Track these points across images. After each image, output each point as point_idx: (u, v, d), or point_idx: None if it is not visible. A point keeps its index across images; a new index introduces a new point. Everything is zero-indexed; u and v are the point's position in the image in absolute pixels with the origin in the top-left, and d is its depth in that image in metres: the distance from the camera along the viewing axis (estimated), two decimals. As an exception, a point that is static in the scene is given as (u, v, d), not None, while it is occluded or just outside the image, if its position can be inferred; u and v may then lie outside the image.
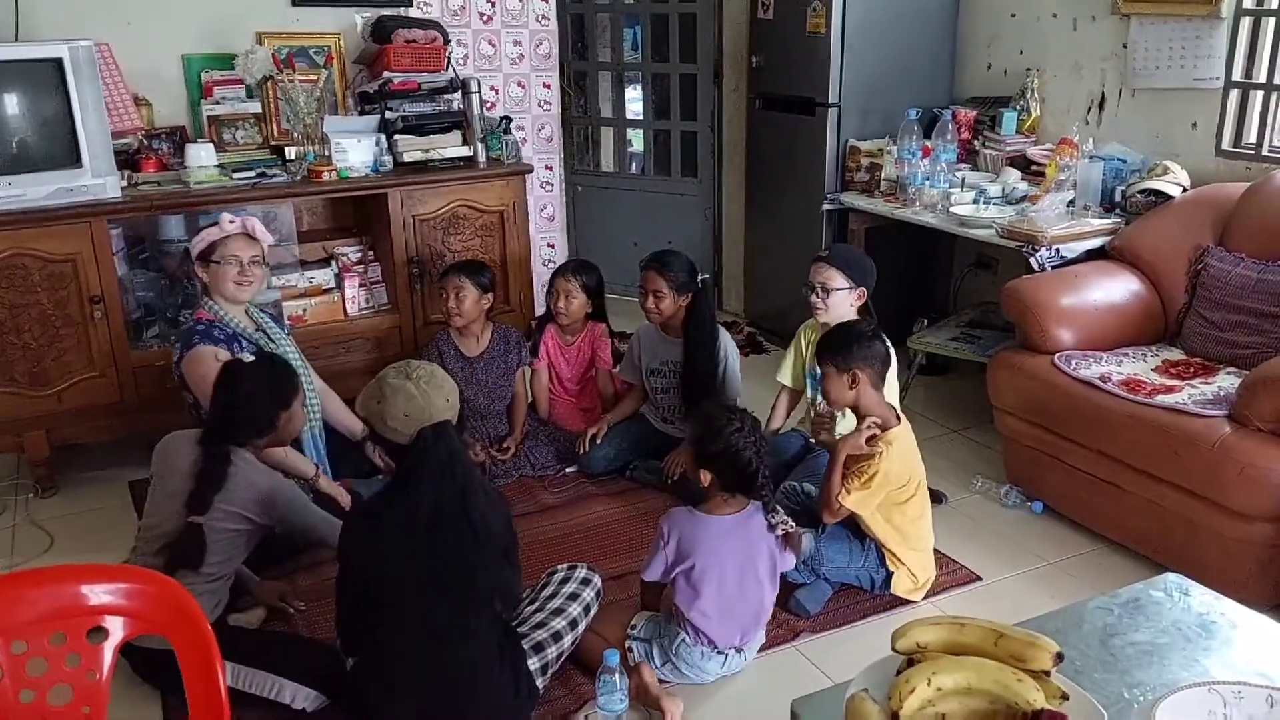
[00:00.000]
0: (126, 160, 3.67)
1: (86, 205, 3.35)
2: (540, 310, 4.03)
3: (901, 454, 2.68)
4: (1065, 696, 1.19)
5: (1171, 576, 1.55)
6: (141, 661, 2.38)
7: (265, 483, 2.53)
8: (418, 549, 2.12)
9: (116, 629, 1.37)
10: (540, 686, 2.32)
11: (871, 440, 2.63)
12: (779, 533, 2.46)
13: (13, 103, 3.27)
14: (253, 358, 2.69)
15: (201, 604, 2.31)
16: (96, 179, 3.36)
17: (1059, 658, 1.21)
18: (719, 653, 2.45)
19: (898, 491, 2.70)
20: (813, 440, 3.31)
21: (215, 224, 3.07)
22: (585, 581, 2.56)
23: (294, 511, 2.59)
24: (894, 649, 1.26)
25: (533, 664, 2.30)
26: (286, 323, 3.36)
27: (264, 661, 2.35)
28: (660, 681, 2.41)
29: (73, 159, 3.32)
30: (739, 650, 2.49)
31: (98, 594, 1.34)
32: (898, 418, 2.74)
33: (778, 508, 2.50)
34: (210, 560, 2.40)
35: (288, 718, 2.35)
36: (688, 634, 2.44)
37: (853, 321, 2.94)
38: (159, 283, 3.76)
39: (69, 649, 1.35)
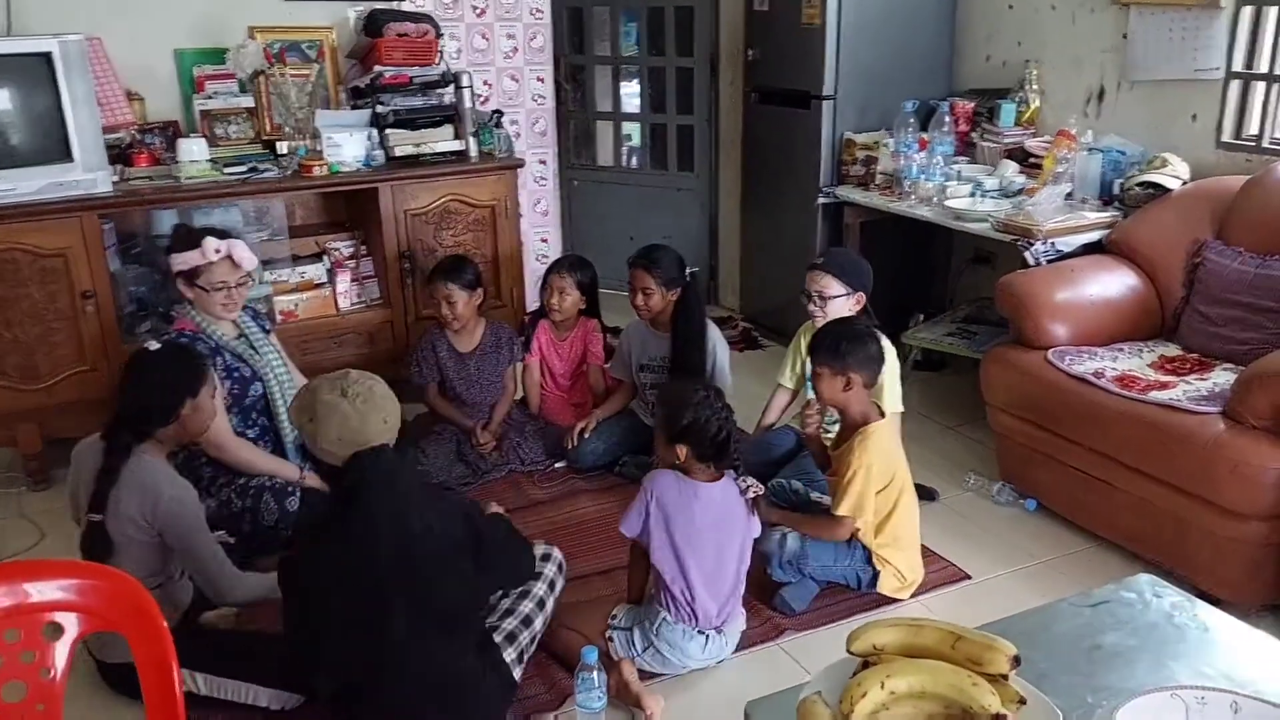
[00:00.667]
0: (119, 155, 3.67)
1: (77, 200, 3.35)
2: (532, 305, 4.01)
3: (881, 448, 2.65)
4: (1023, 701, 1.17)
5: (1144, 577, 1.52)
6: (115, 676, 2.37)
7: (155, 489, 2.35)
8: (371, 573, 2.02)
9: (71, 625, 1.36)
10: (518, 677, 2.31)
11: (814, 429, 2.69)
12: (749, 496, 2.50)
13: (3, 97, 3.26)
14: (159, 345, 2.56)
15: (160, 606, 2.32)
16: (88, 173, 3.36)
17: (1016, 661, 1.18)
18: (700, 633, 2.45)
19: (882, 494, 2.68)
20: (801, 429, 3.29)
21: (198, 248, 2.94)
22: (545, 558, 2.56)
23: (183, 533, 2.38)
24: (849, 651, 1.24)
25: (509, 655, 2.28)
26: (268, 321, 3.30)
27: (236, 669, 2.32)
28: (641, 675, 2.40)
29: (63, 153, 3.32)
30: (719, 631, 2.48)
31: (50, 590, 1.33)
32: (880, 414, 2.72)
33: (746, 474, 2.54)
34: (133, 563, 2.28)
35: (266, 715, 2.34)
36: (669, 611, 2.43)
37: (848, 320, 2.91)
38: (151, 277, 3.76)
39: (23, 645, 1.34)
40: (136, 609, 1.34)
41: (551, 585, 2.50)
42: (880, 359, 2.73)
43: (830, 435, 3.19)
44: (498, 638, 2.29)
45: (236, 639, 2.53)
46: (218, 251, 2.96)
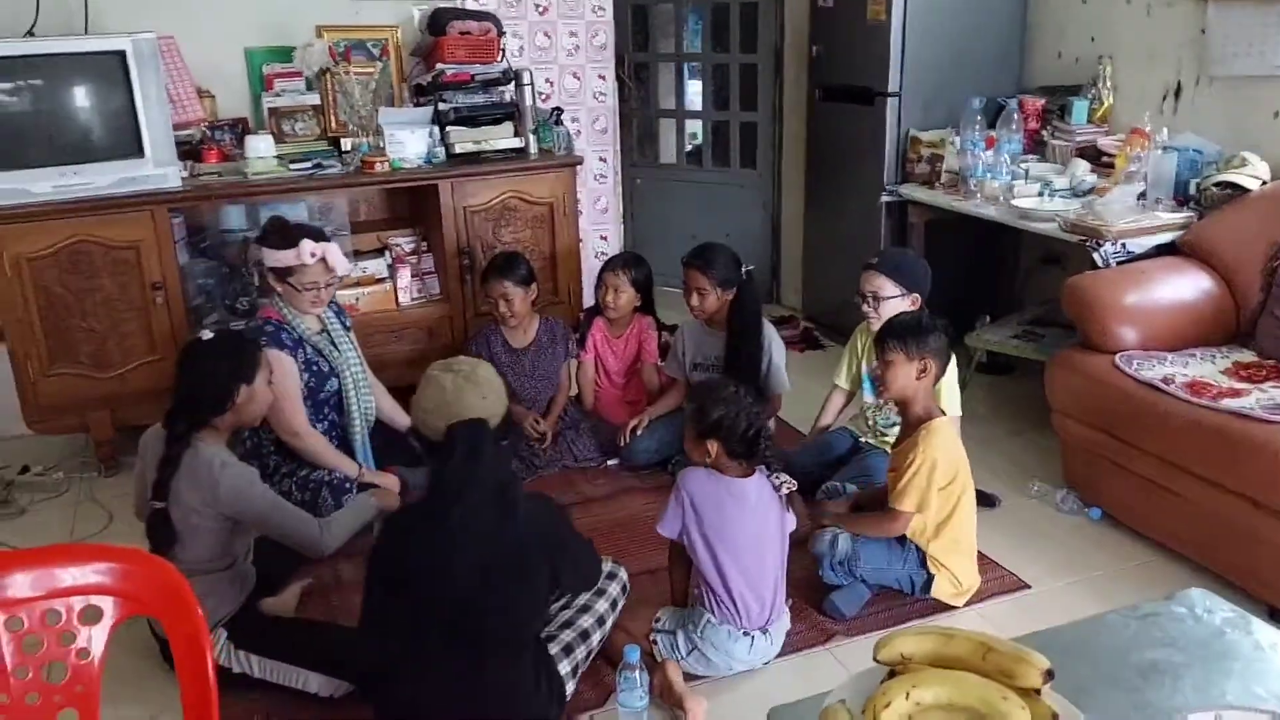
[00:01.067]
0: (189, 151, 3.77)
1: (148, 194, 3.45)
2: (589, 302, 4.01)
3: (945, 444, 2.59)
4: (1056, 716, 1.12)
5: (1196, 591, 1.46)
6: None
7: (211, 477, 2.39)
8: (445, 553, 2.05)
9: (109, 609, 1.38)
10: (570, 691, 2.29)
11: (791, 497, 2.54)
12: (783, 492, 2.46)
13: (80, 94, 3.38)
14: (212, 334, 2.61)
15: (223, 593, 2.38)
16: (158, 169, 3.46)
17: (1049, 675, 1.14)
18: (745, 634, 2.42)
19: (944, 492, 2.62)
20: (861, 441, 3.25)
21: (294, 248, 2.98)
22: (610, 576, 2.54)
23: (254, 510, 2.46)
24: (876, 659, 1.21)
25: (564, 667, 2.26)
26: (349, 317, 3.37)
27: (290, 654, 2.37)
28: (685, 677, 2.38)
29: (136, 149, 3.42)
30: (764, 632, 2.46)
31: (86, 574, 1.35)
32: (941, 411, 2.66)
33: (779, 470, 2.50)
34: (197, 550, 2.38)
35: (313, 700, 2.37)
36: (713, 612, 2.41)
37: (914, 312, 2.85)
38: (219, 271, 3.86)
39: (64, 628, 1.37)
40: (170, 593, 1.37)
41: (614, 604, 2.48)
42: (949, 351, 2.67)
43: (888, 439, 3.15)
44: (554, 648, 2.27)
45: (293, 625, 2.59)
46: (313, 255, 2.99)
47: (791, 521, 2.53)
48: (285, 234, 3.06)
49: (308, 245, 2.98)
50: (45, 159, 3.32)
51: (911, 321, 2.63)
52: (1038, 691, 1.15)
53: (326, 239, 3.08)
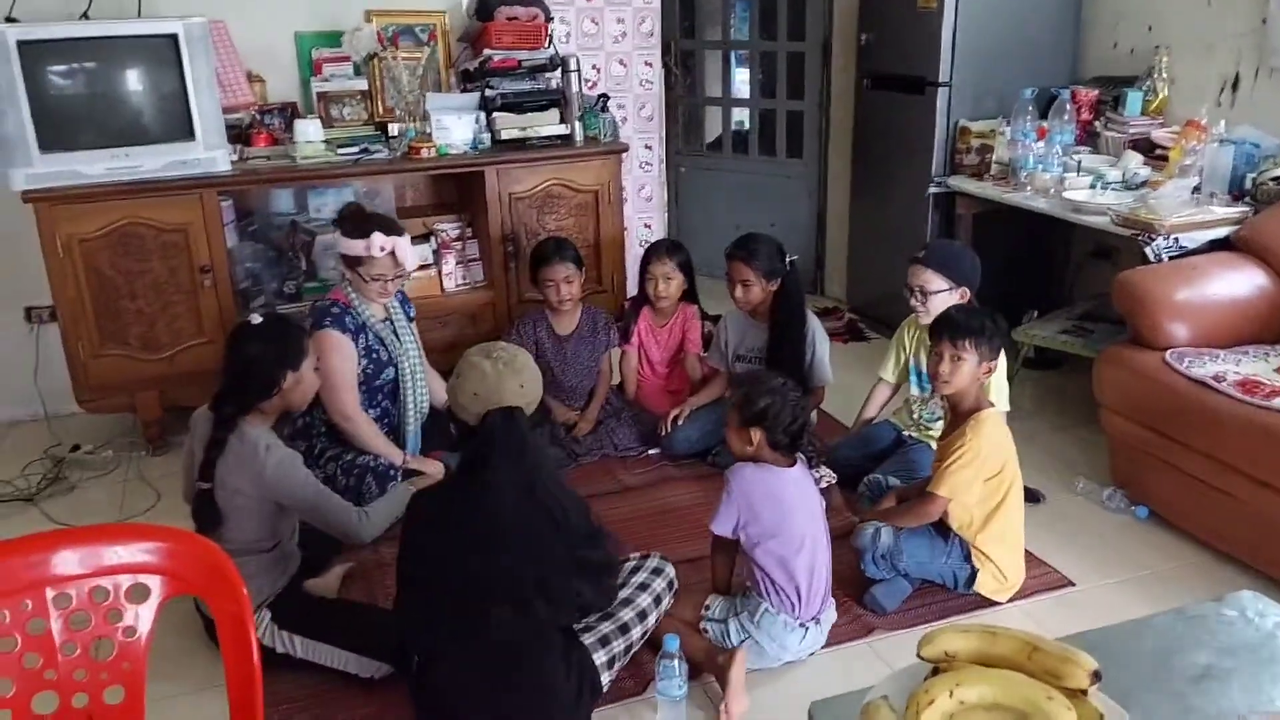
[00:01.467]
0: (239, 135, 3.80)
1: (198, 178, 3.49)
2: (633, 291, 4.01)
3: (992, 435, 2.56)
4: (1102, 718, 1.11)
5: (1247, 594, 1.42)
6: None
7: (257, 460, 2.41)
8: (481, 539, 2.08)
9: (156, 588, 1.41)
10: (605, 683, 2.27)
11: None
12: (822, 485, 2.51)
13: (133, 77, 3.43)
14: (260, 319, 2.61)
15: (267, 573, 2.41)
16: (208, 152, 3.50)
17: (1096, 676, 1.12)
18: (800, 625, 2.42)
19: (991, 482, 2.59)
20: (905, 435, 3.22)
21: (365, 239, 3.01)
22: (657, 571, 2.51)
23: (297, 494, 2.47)
24: (920, 656, 1.19)
25: (599, 658, 2.24)
26: (413, 308, 3.39)
27: (333, 636, 2.40)
28: None
29: (186, 132, 3.46)
30: (816, 622, 2.46)
31: (134, 553, 1.38)
32: (990, 404, 2.63)
33: (818, 464, 2.54)
34: (243, 531, 2.41)
35: (352, 680, 2.40)
36: (770, 601, 2.41)
37: (969, 306, 2.79)
38: (266, 254, 3.89)
39: (111, 606, 1.40)
40: (216, 573, 1.38)
41: (657, 600, 2.45)
42: (1001, 347, 2.64)
43: (931, 433, 3.12)
44: (590, 638, 2.25)
45: (335, 607, 2.62)
46: (383, 249, 3.02)
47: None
48: (359, 223, 3.09)
49: (378, 239, 3.01)
50: (97, 141, 3.37)
51: (982, 323, 2.57)
52: (1084, 693, 1.13)
53: (399, 232, 3.10)
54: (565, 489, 2.25)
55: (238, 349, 2.52)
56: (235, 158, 3.66)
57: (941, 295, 3.01)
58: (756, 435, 2.42)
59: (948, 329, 2.59)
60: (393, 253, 3.05)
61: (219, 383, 2.54)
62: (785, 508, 2.40)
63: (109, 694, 1.40)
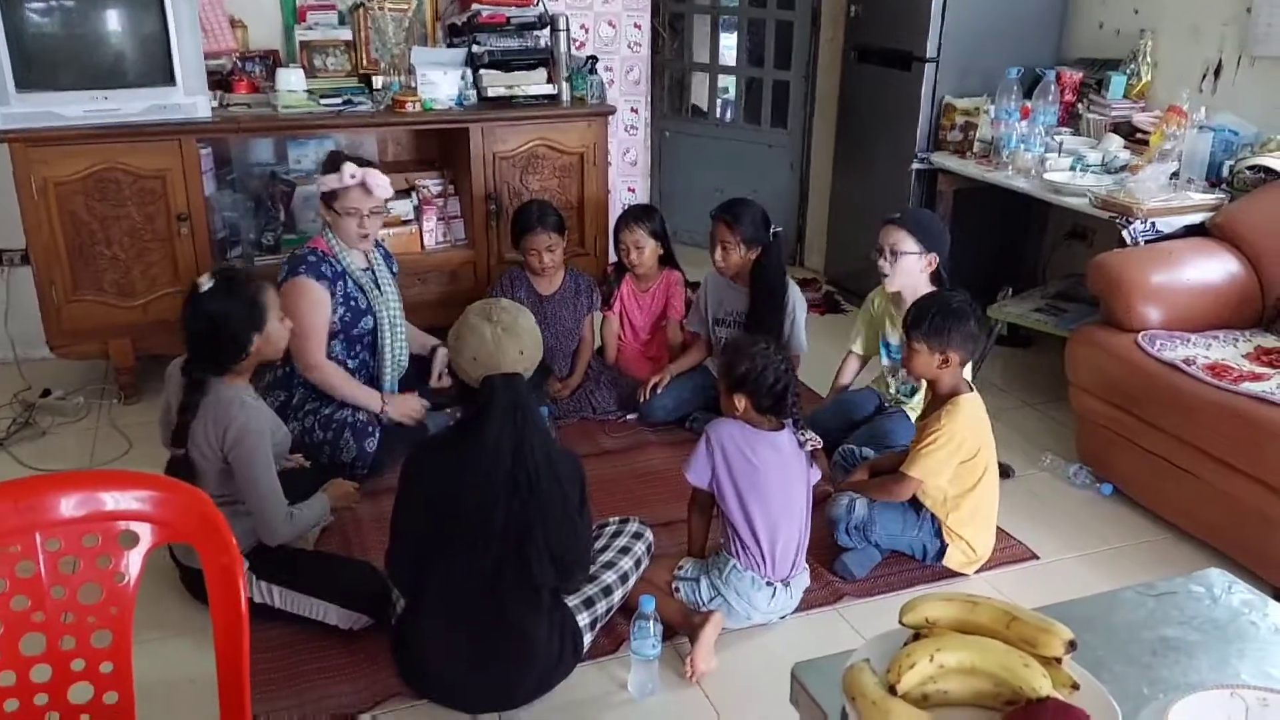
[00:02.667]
0: (219, 81, 3.75)
1: (177, 123, 3.44)
2: (615, 256, 4.00)
3: (969, 420, 2.60)
4: (1076, 686, 1.14)
5: (1215, 571, 1.47)
6: (194, 581, 2.47)
7: (228, 417, 2.36)
8: (475, 496, 2.12)
9: (146, 535, 1.41)
10: (587, 642, 2.32)
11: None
12: (807, 449, 2.51)
13: (113, 17, 3.37)
14: (210, 283, 2.45)
15: (247, 524, 2.40)
16: (188, 98, 3.45)
17: (1071, 645, 1.16)
18: (768, 584, 2.46)
19: (966, 465, 2.63)
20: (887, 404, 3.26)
21: (337, 171, 3.03)
22: (637, 535, 2.56)
23: (245, 463, 2.38)
24: (901, 622, 1.23)
25: (582, 620, 2.29)
26: (397, 265, 3.38)
27: (311, 586, 2.42)
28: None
29: (166, 77, 3.41)
30: (786, 585, 2.50)
31: (126, 500, 1.38)
32: (969, 387, 2.66)
33: (805, 427, 2.54)
34: (214, 487, 2.37)
35: (330, 630, 2.42)
36: (739, 559, 2.45)
37: (945, 294, 2.75)
38: (244, 204, 3.85)
39: (100, 551, 1.40)
40: (206, 521, 1.39)
41: (638, 563, 2.50)
42: (979, 336, 2.66)
43: (907, 405, 3.17)
44: (574, 600, 2.29)
45: (315, 559, 2.63)
46: (353, 176, 3.03)
47: (816, 473, 2.58)
48: (334, 160, 3.11)
49: (349, 167, 3.03)
50: (76, 82, 3.31)
51: (935, 314, 2.58)
52: (1059, 661, 1.17)
53: (371, 165, 3.12)
54: (560, 454, 2.26)
55: (197, 318, 2.42)
56: (215, 104, 3.61)
57: (910, 258, 3.03)
58: (742, 401, 2.46)
59: (907, 318, 2.66)
60: (363, 183, 3.03)
61: (185, 349, 2.46)
62: (759, 466, 2.43)
63: (96, 638, 1.40)
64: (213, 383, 2.41)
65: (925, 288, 3.03)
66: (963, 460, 2.61)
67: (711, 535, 2.61)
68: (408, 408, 3.18)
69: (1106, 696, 1.14)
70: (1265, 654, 1.31)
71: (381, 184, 3.09)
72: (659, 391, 3.51)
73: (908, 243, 3.03)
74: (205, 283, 2.45)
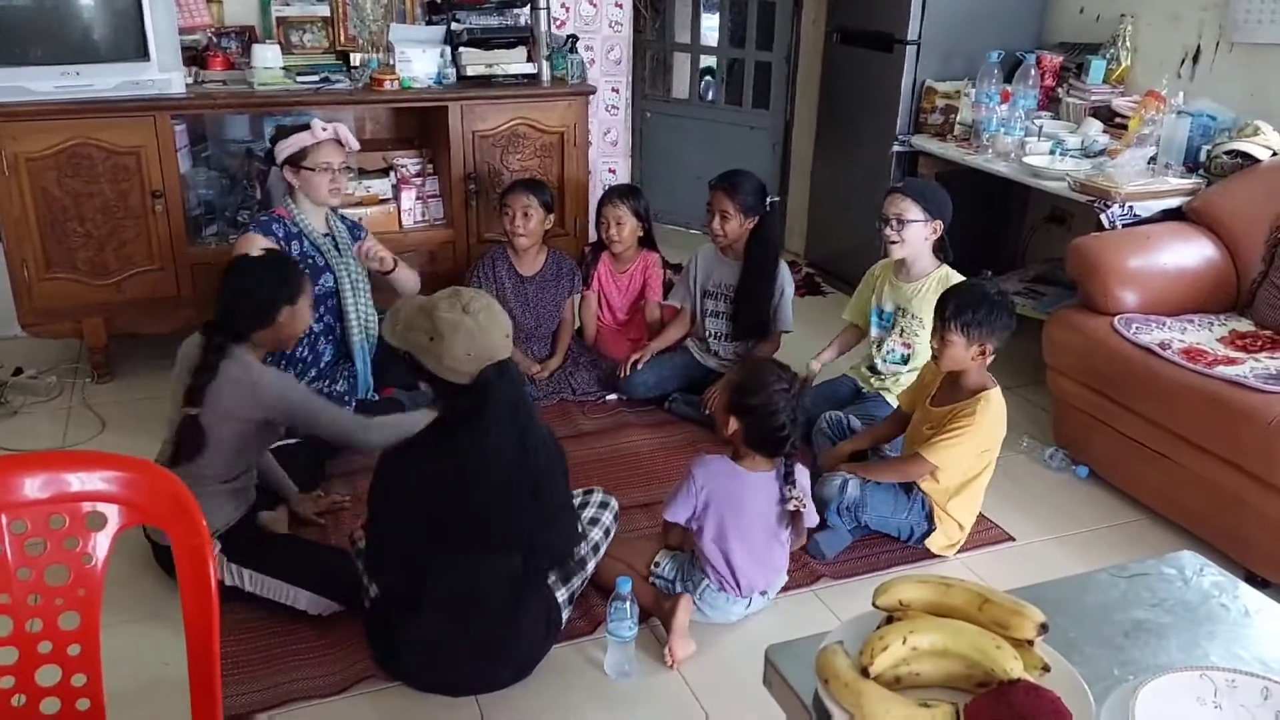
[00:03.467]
0: (194, 57, 3.70)
1: (151, 99, 3.39)
2: (595, 236, 3.99)
3: (998, 418, 2.61)
4: (1047, 668, 1.15)
5: (1187, 554, 1.48)
6: (168, 559, 2.44)
7: (251, 380, 2.43)
8: (480, 499, 2.07)
9: (114, 517, 1.39)
10: (565, 618, 2.33)
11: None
12: (789, 508, 2.41)
13: (85, -8, 3.30)
14: (262, 251, 2.67)
15: (223, 505, 2.39)
16: (163, 73, 3.40)
17: (1043, 628, 1.16)
18: (742, 596, 2.45)
19: (980, 457, 2.64)
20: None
21: (306, 128, 3.06)
22: (603, 505, 2.57)
23: (300, 410, 2.52)
24: (875, 604, 1.23)
25: (560, 595, 2.29)
26: (363, 231, 3.36)
27: (283, 571, 2.41)
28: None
29: (140, 52, 3.35)
30: (763, 594, 2.50)
31: (94, 481, 1.36)
32: (993, 380, 2.65)
33: (794, 482, 2.41)
34: (216, 459, 2.40)
35: (298, 615, 2.41)
36: (712, 580, 2.43)
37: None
38: (220, 181, 3.81)
39: (67, 533, 1.38)
40: (176, 503, 1.37)
41: (607, 533, 2.51)
42: (1013, 327, 2.59)
43: (883, 382, 3.18)
44: (552, 576, 2.29)
45: (287, 543, 2.61)
46: (325, 129, 3.05)
47: (813, 518, 2.49)
48: (294, 125, 3.13)
49: (319, 121, 3.08)
50: (47, 57, 3.25)
51: (979, 304, 2.52)
52: (1030, 643, 1.17)
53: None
54: (552, 445, 2.24)
55: (237, 279, 2.55)
56: (190, 81, 3.56)
57: (916, 225, 3.04)
58: (734, 425, 2.37)
59: (941, 308, 2.58)
60: (336, 136, 3.08)
61: (214, 310, 2.54)
62: (738, 504, 2.37)
63: (64, 620, 1.38)
64: (231, 349, 2.45)
65: (928, 256, 3.07)
66: (980, 452, 2.62)
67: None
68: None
69: (1077, 678, 1.15)
70: (1235, 636, 1.32)
71: (351, 136, 3.16)
72: (639, 368, 3.50)
73: (913, 210, 3.03)
74: (256, 250, 2.69)
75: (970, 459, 2.62)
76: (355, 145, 3.19)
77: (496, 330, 2.08)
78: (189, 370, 2.44)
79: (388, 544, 2.18)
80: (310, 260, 3.11)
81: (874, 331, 3.27)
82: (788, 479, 2.41)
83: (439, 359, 2.04)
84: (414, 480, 2.11)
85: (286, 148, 3.07)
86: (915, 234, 3.04)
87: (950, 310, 2.55)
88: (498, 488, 2.07)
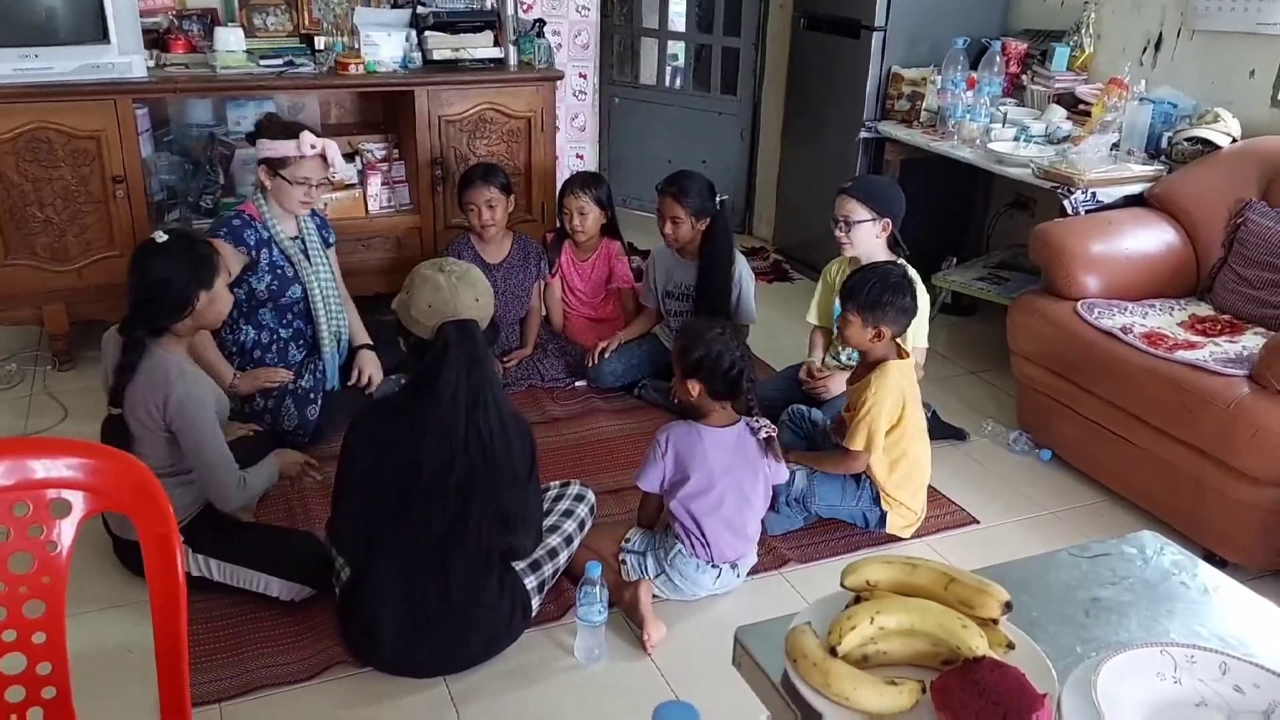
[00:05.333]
0: (156, 40, 3.65)
1: (112, 83, 3.34)
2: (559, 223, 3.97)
3: (894, 386, 2.62)
4: (1011, 646, 1.17)
5: (1147, 534, 1.51)
6: (127, 553, 2.43)
7: (166, 384, 2.30)
8: (432, 456, 2.09)
9: (79, 504, 1.38)
10: (536, 605, 2.33)
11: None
12: (761, 436, 2.45)
13: (42, -27, 3.25)
14: (166, 236, 2.45)
15: (180, 496, 2.34)
16: (123, 56, 3.35)
17: (1008, 606, 1.18)
18: (714, 566, 2.47)
19: (893, 434, 2.67)
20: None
21: (296, 135, 2.95)
22: (579, 498, 2.57)
23: (190, 431, 2.33)
24: (843, 585, 1.24)
25: (530, 582, 2.30)
26: (332, 234, 3.29)
27: (251, 559, 2.39)
28: (653, 597, 2.43)
29: (100, 34, 3.31)
30: (733, 566, 2.51)
31: (58, 467, 1.34)
32: (899, 354, 2.69)
33: (759, 414, 2.47)
34: (152, 454, 2.31)
35: (268, 601, 2.40)
36: (685, 545, 2.44)
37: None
38: (183, 166, 3.76)
39: (31, 520, 1.36)
40: (142, 490, 1.36)
41: (581, 525, 2.51)
42: (913, 311, 2.67)
43: (832, 364, 3.21)
44: (521, 564, 2.30)
45: (254, 530, 2.58)
46: (313, 147, 2.96)
47: (782, 473, 2.52)
48: (286, 126, 3.03)
49: (309, 138, 2.96)
50: (4, 39, 3.21)
51: (871, 287, 2.59)
52: (995, 621, 1.19)
53: (309, 129, 3.04)
54: (511, 411, 2.24)
55: (144, 269, 2.38)
56: (151, 64, 3.51)
57: (865, 225, 3.05)
58: (695, 387, 2.40)
59: (844, 288, 2.67)
60: (323, 154, 2.99)
61: (126, 304, 2.41)
62: (711, 469, 2.39)
63: (28, 608, 1.37)
64: (150, 346, 2.35)
65: (882, 253, 3.06)
66: (887, 430, 2.64)
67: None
68: (258, 381, 3.01)
69: (1041, 655, 1.17)
70: (1193, 613, 1.34)
71: (340, 159, 3.07)
72: (607, 356, 3.50)
73: (860, 211, 3.04)
74: (161, 236, 2.45)
75: (882, 436, 2.65)
76: (341, 167, 3.08)
77: (466, 291, 2.14)
78: (112, 366, 2.37)
79: (351, 510, 2.19)
80: (280, 270, 3.05)
81: (836, 329, 3.29)
82: (751, 413, 2.46)
83: (407, 310, 2.15)
84: (376, 441, 2.16)
85: (269, 149, 2.97)
86: (864, 234, 3.05)
87: (848, 290, 2.64)
88: (443, 447, 2.08)
